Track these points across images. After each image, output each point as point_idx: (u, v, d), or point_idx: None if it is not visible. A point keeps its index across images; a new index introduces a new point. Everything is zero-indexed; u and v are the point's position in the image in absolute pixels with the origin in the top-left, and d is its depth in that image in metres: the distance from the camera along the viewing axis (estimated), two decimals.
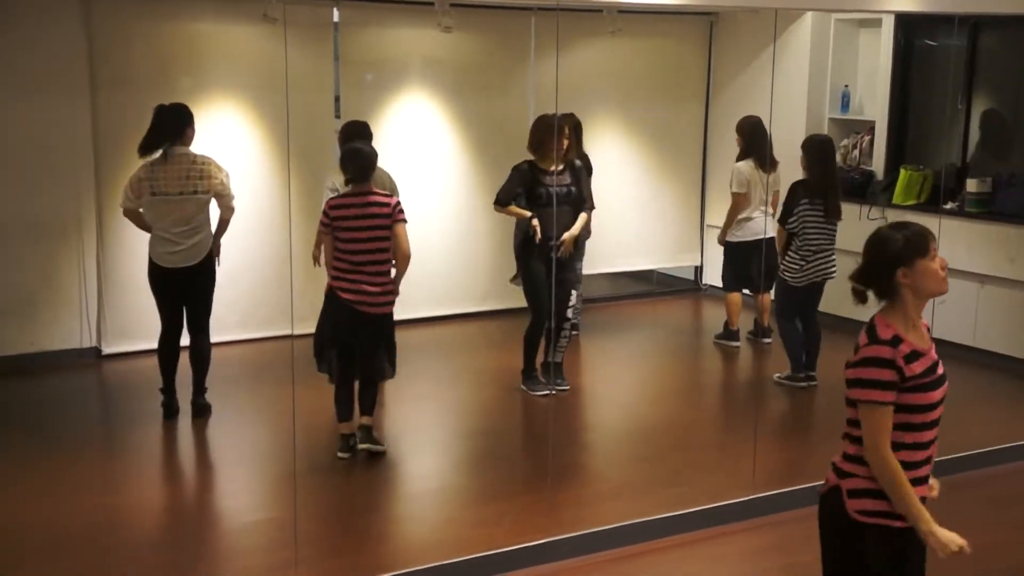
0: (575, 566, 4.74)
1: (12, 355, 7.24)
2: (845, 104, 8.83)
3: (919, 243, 3.09)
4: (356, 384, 5.86)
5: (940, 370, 3.17)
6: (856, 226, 8.33)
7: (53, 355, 7.39)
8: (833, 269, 7.01)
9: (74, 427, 6.40)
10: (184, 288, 6.24)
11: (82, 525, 5.02)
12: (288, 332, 6.64)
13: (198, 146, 6.31)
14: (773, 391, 7.18)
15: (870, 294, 3.19)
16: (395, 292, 5.75)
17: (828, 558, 3.28)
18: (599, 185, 8.21)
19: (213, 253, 6.26)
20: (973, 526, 5.12)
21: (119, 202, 6.26)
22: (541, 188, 6.59)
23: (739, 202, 7.79)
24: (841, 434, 3.25)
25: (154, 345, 6.49)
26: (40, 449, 5.92)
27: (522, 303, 6.97)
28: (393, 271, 5.73)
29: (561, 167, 6.65)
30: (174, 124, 6.11)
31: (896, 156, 8.54)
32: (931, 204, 7.93)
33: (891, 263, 3.08)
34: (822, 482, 3.29)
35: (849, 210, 8.34)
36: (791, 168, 7.44)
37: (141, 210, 6.15)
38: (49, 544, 4.83)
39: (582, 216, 6.80)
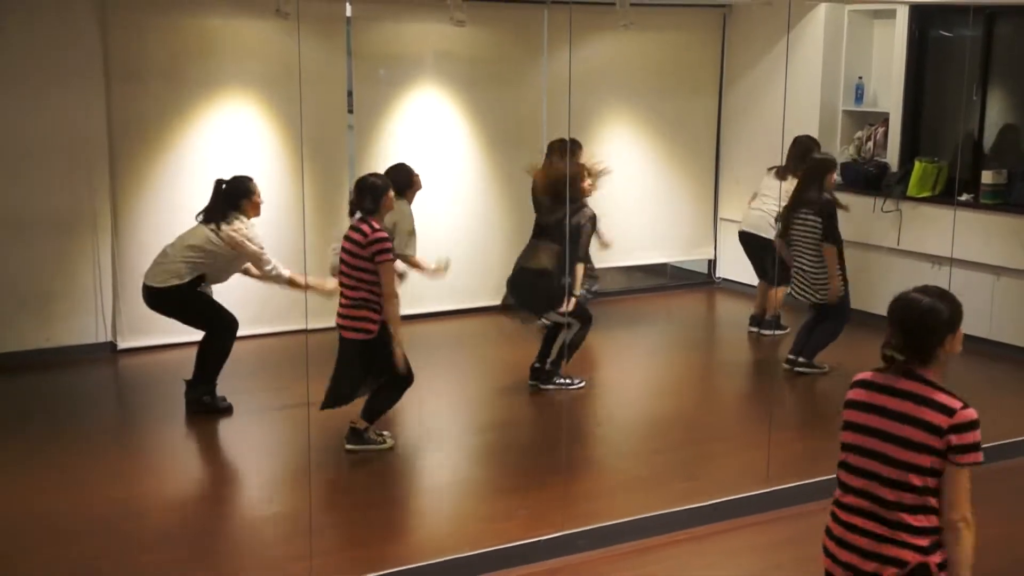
0: (589, 560, 4.74)
1: (28, 350, 7.28)
2: (859, 96, 8.79)
3: (960, 311, 3.14)
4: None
5: None
6: (870, 218, 8.32)
7: (69, 350, 7.42)
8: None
9: (90, 421, 6.44)
10: None
11: (97, 517, 5.05)
12: (302, 327, 6.66)
13: (211, 139, 6.41)
14: (787, 383, 7.16)
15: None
16: (362, 321, 5.65)
17: None
18: (613, 178, 8.16)
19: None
20: (992, 517, 5.13)
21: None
22: None
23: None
24: (891, 510, 3.06)
25: (169, 340, 7.06)
26: (56, 443, 5.95)
27: None
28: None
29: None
30: (226, 196, 6.30)
31: (911, 148, 8.50)
32: (946, 196, 7.89)
33: (942, 332, 3.11)
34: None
35: (863, 203, 8.33)
36: None
37: None
38: (65, 535, 4.86)
39: None
